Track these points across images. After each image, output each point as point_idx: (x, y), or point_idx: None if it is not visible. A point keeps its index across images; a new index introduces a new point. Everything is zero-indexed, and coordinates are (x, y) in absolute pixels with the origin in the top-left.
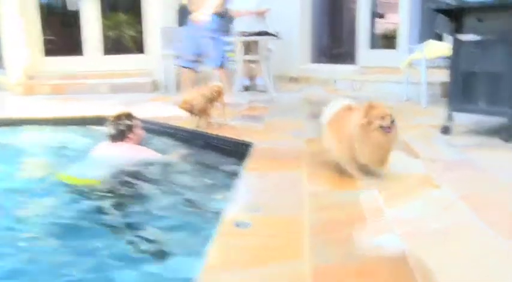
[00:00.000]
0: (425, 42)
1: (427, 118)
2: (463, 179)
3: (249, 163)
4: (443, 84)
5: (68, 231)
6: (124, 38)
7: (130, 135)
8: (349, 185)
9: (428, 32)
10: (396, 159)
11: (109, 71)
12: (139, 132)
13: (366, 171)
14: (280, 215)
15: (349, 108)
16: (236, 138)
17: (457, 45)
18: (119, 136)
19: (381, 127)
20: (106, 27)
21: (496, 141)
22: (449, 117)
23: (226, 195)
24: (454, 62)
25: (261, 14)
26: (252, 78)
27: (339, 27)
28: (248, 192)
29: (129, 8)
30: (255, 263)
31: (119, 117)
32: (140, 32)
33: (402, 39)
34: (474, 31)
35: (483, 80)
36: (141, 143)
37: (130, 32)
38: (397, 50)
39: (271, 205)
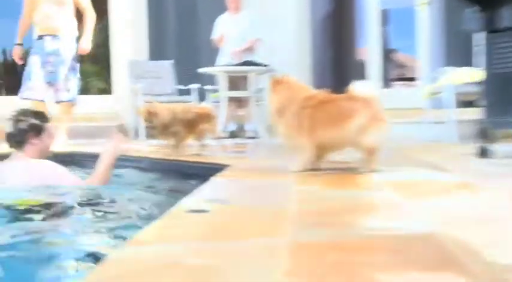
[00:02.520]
0: (447, 69)
1: (457, 150)
2: (505, 185)
3: (221, 173)
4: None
5: None
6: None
7: (35, 140)
8: (352, 185)
9: (454, 59)
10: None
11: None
12: (48, 140)
13: None
14: (254, 206)
15: None
16: (207, 161)
17: (491, 41)
18: (17, 138)
19: None
20: None
21: None
22: (487, 136)
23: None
24: (489, 64)
25: (249, 49)
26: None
27: (344, 65)
28: (215, 189)
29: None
30: (208, 238)
31: (23, 113)
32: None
33: (422, 69)
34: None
35: None
36: (47, 156)
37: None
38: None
39: (244, 199)
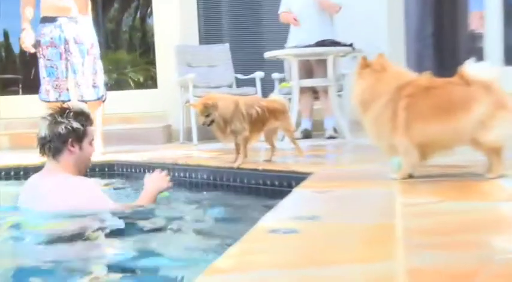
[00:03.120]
0: None
1: None
2: None
3: (303, 183)
4: None
5: None
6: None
7: (74, 148)
8: (474, 194)
9: None
10: None
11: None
12: (90, 148)
13: None
14: (351, 223)
15: None
16: (283, 169)
17: None
18: (53, 144)
19: None
20: None
21: None
22: None
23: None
24: None
25: (331, 9)
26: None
27: (451, 39)
28: (300, 203)
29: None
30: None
31: (62, 113)
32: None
33: None
34: None
35: None
36: (87, 168)
37: (136, 75)
38: None
39: (338, 214)
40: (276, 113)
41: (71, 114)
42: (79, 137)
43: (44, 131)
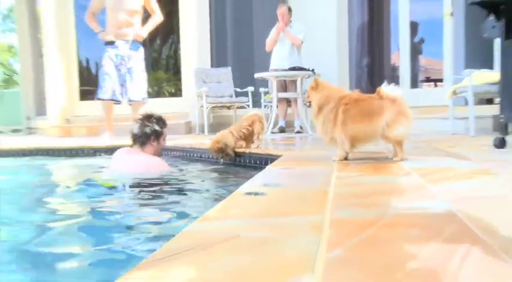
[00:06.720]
0: (469, 71)
1: (477, 142)
2: None
3: (274, 162)
4: (494, 117)
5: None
6: (163, 93)
7: (154, 143)
8: (384, 171)
9: (473, 63)
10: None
11: None
12: (163, 143)
13: None
14: (302, 189)
15: None
16: (263, 153)
17: (506, 47)
18: (141, 139)
19: None
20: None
21: None
22: (503, 129)
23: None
24: (504, 67)
25: (294, 40)
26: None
27: (379, 67)
28: (270, 175)
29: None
30: (262, 215)
31: (149, 118)
32: (180, 89)
33: (446, 71)
34: None
35: None
36: (160, 154)
37: (169, 88)
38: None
39: (294, 183)
40: (256, 124)
41: (154, 120)
42: (158, 136)
43: (136, 129)
